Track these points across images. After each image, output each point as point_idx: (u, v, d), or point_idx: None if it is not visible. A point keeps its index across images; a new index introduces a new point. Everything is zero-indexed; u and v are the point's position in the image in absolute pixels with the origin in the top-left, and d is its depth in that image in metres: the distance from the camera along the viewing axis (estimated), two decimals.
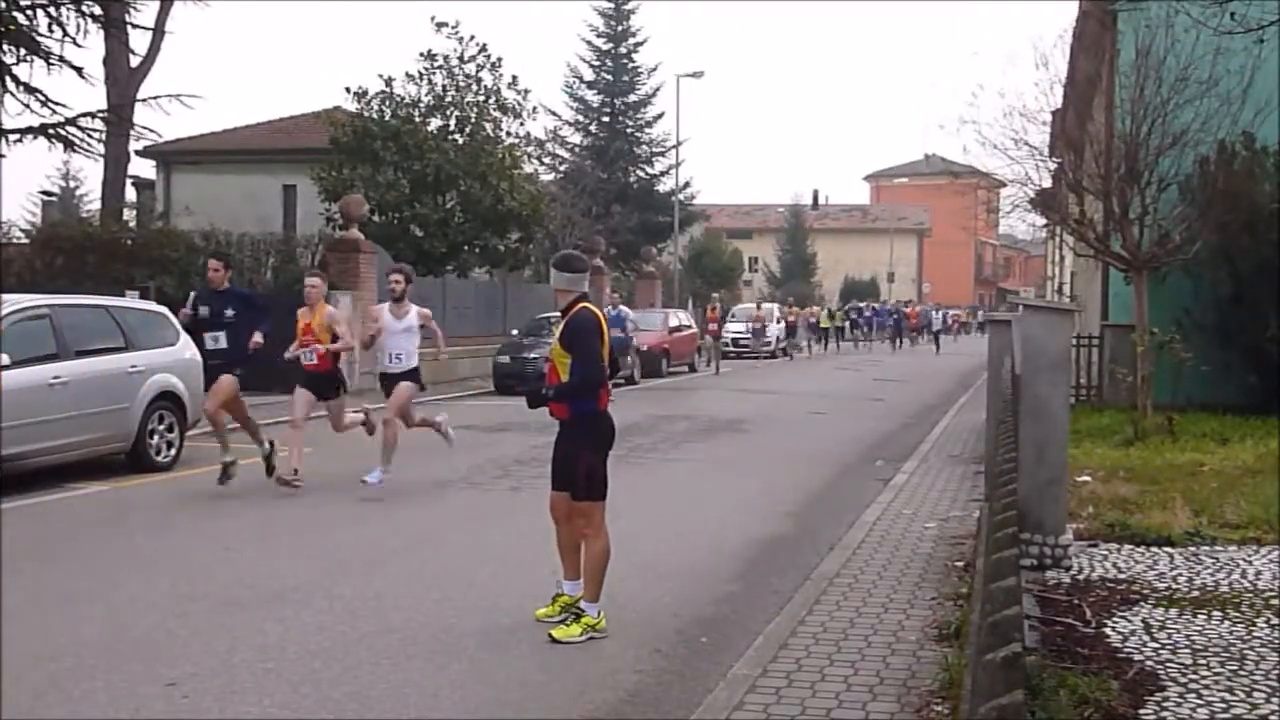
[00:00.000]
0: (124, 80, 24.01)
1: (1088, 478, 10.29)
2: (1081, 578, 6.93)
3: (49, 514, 9.51)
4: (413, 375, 11.11)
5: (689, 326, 30.58)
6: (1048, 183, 16.66)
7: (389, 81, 25.25)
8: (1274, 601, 6.32)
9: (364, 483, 10.65)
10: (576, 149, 45.72)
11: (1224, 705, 4.74)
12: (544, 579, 7.26)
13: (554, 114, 44.82)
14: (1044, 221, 21.32)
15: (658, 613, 6.56)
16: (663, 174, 46.28)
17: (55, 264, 20.30)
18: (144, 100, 22.92)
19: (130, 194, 28.86)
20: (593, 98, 46.06)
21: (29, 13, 19.29)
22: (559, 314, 6.32)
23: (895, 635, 5.92)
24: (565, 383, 6.04)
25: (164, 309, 13.12)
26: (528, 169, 27.98)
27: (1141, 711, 4.68)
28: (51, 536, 8.58)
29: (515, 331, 24.42)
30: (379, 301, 21.54)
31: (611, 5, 45.65)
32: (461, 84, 25.69)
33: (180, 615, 6.38)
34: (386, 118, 24.83)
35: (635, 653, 5.81)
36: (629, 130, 45.93)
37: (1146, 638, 5.68)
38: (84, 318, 11.62)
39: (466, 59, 25.74)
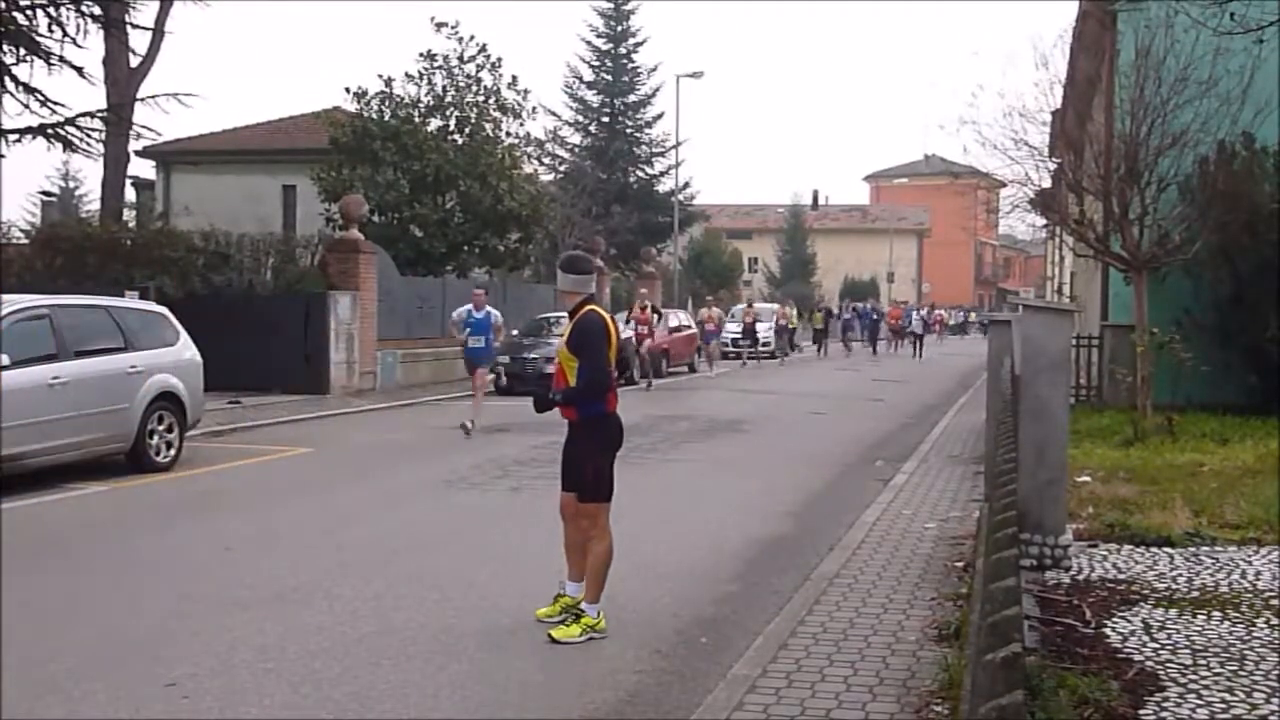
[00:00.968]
0: (124, 80, 24.00)
1: (1088, 478, 10.29)
2: (1081, 578, 6.93)
3: (49, 514, 9.51)
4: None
5: (689, 327, 30.57)
6: (1047, 183, 16.67)
7: (389, 82, 25.28)
8: (1274, 602, 6.32)
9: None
10: (576, 149, 45.73)
11: (1224, 705, 4.74)
12: (544, 579, 7.25)
13: (554, 114, 44.89)
14: (1044, 222, 21.34)
15: (658, 613, 6.56)
16: (662, 174, 46.32)
17: (55, 264, 20.28)
18: (143, 100, 22.93)
19: (130, 194, 28.89)
20: (592, 98, 46.08)
21: (29, 13, 19.28)
22: (566, 316, 6.29)
23: (895, 635, 5.92)
24: (572, 388, 6.02)
25: (164, 309, 13.13)
26: (527, 169, 28.02)
27: (1141, 712, 4.68)
28: (51, 536, 8.58)
29: (515, 331, 24.43)
30: (378, 301, 21.70)
31: (611, 5, 45.67)
32: (461, 84, 25.69)
33: (180, 615, 6.38)
34: (386, 118, 24.83)
35: (635, 653, 5.81)
36: (629, 130, 45.94)
37: (1146, 638, 5.68)
38: (84, 318, 11.62)
39: (466, 59, 25.75)
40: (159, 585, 7.04)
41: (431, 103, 25.51)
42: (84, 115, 20.52)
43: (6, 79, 19.17)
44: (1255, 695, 4.87)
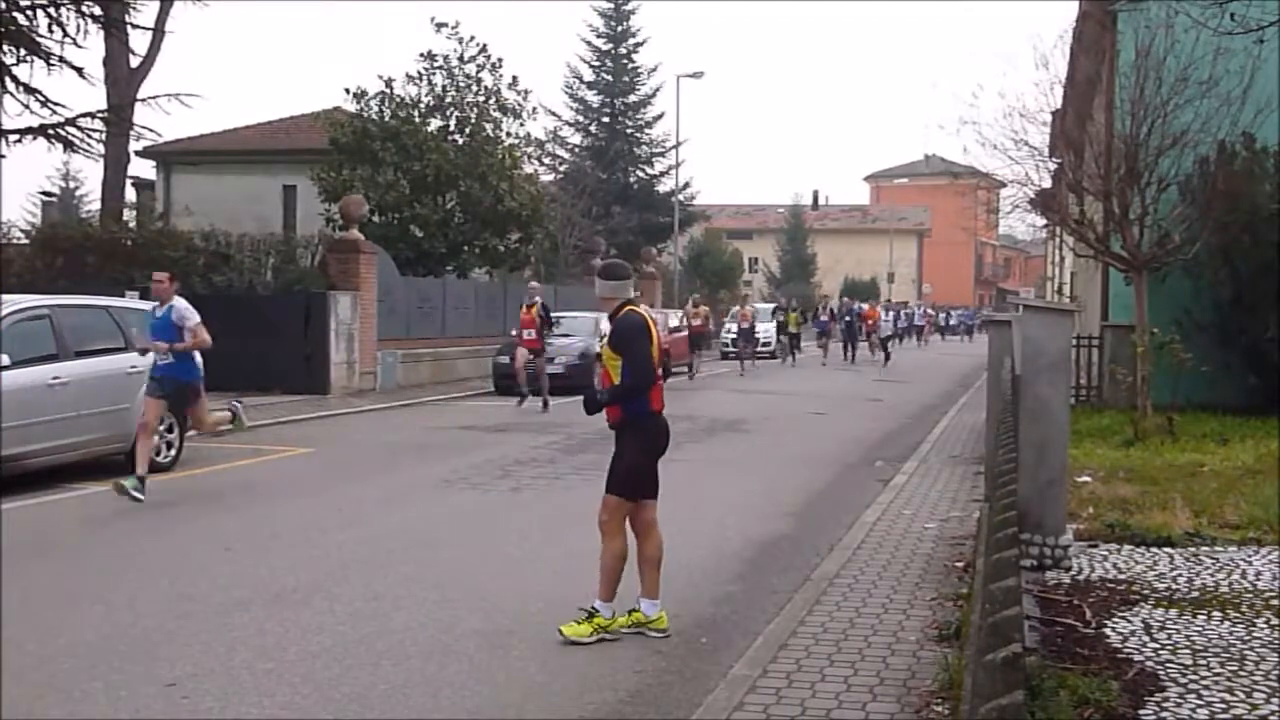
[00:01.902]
0: (124, 80, 24.01)
1: (1088, 478, 10.29)
2: (1081, 578, 6.93)
3: (49, 514, 9.51)
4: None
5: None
6: (1048, 183, 16.66)
7: (389, 82, 25.28)
8: (1274, 602, 6.31)
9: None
10: (576, 149, 45.73)
11: (1224, 706, 4.74)
12: (544, 579, 7.26)
13: (554, 114, 44.89)
14: (1044, 222, 21.33)
15: None
16: (663, 174, 46.30)
17: (55, 264, 20.29)
18: (144, 100, 22.93)
19: (130, 194, 28.86)
20: (593, 98, 46.07)
21: (29, 13, 19.28)
22: (605, 318, 6.44)
23: (895, 636, 5.92)
24: (617, 385, 6.11)
25: None
26: (528, 169, 27.98)
27: (1141, 712, 4.67)
28: (51, 536, 8.58)
29: (515, 332, 24.40)
30: (378, 301, 21.68)
31: (611, 5, 45.66)
32: (461, 84, 25.70)
33: (180, 615, 6.38)
34: (386, 118, 24.84)
35: (635, 653, 5.80)
36: (629, 131, 45.93)
37: (1146, 638, 5.68)
38: (84, 318, 11.62)
39: (466, 59, 25.76)
40: (159, 585, 7.04)
41: (431, 103, 25.52)
42: (84, 115, 20.54)
43: (7, 79, 19.18)
44: (1255, 695, 4.86)
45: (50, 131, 19.93)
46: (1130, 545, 7.79)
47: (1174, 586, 6.71)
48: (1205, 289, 15.05)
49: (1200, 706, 4.73)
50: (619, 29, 45.85)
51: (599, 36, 45.95)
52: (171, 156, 30.65)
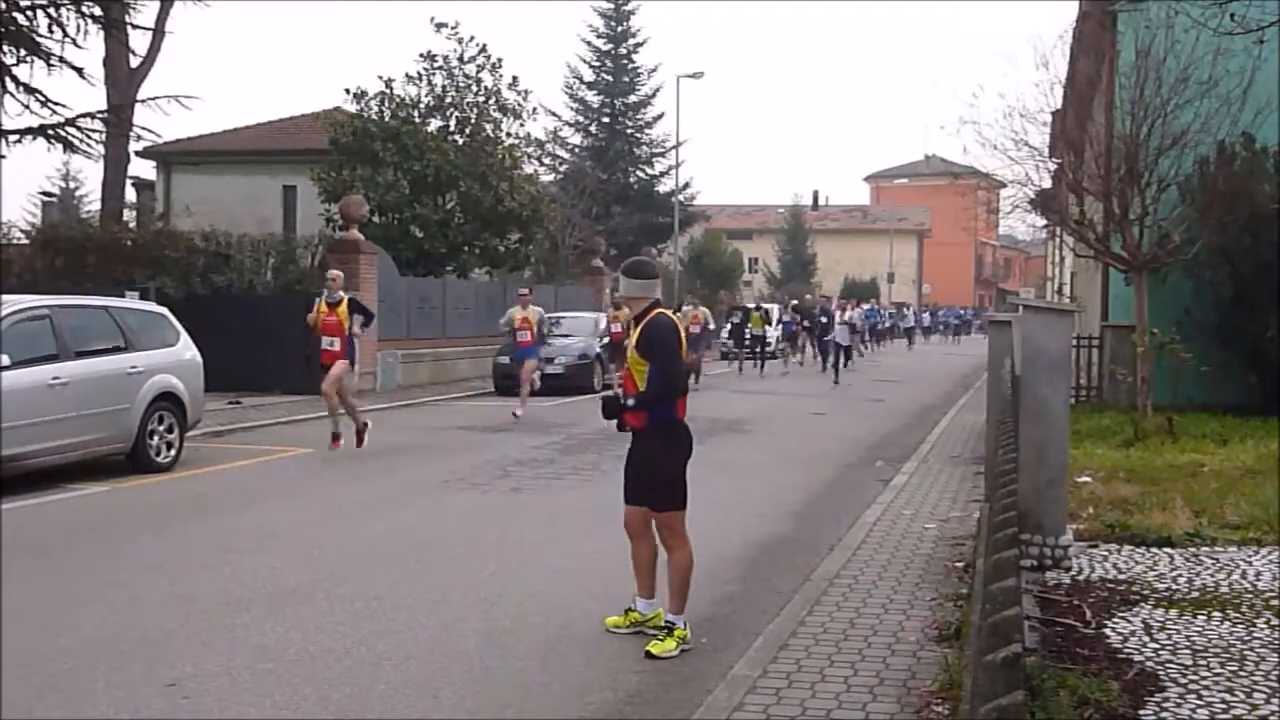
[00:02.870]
0: (124, 81, 24.02)
1: (1088, 478, 10.29)
2: (1081, 578, 6.93)
3: (49, 514, 9.51)
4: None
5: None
6: (1048, 183, 16.66)
7: (389, 82, 25.27)
8: (1274, 602, 6.31)
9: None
10: (576, 149, 45.75)
11: (1224, 706, 4.74)
12: (544, 579, 7.26)
13: (554, 114, 44.92)
14: (1044, 222, 21.32)
15: None
16: (663, 175, 46.35)
17: (55, 264, 20.30)
18: (144, 101, 22.94)
19: (130, 195, 28.88)
20: (593, 98, 46.09)
21: (29, 13, 19.29)
22: (633, 321, 6.09)
23: (895, 636, 5.92)
24: (645, 392, 5.80)
25: (164, 309, 13.13)
26: (528, 170, 27.98)
27: (1141, 712, 4.68)
28: (51, 536, 8.58)
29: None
30: (379, 301, 21.67)
31: (611, 5, 45.69)
32: (461, 85, 25.69)
33: (180, 615, 6.38)
34: (386, 118, 24.83)
35: (635, 653, 5.80)
36: (629, 131, 45.97)
37: (1146, 638, 5.68)
38: (84, 318, 11.62)
39: (466, 60, 25.76)
40: (159, 585, 7.04)
41: (431, 103, 25.51)
42: (84, 116, 20.57)
43: (7, 79, 19.19)
44: (1255, 695, 4.86)
45: (50, 132, 19.94)
46: (1130, 545, 7.79)
47: (1174, 587, 6.71)
48: (1205, 289, 15.05)
49: (1200, 707, 4.73)
50: (619, 29, 45.90)
51: (599, 37, 46.01)
52: (171, 157, 30.65)
